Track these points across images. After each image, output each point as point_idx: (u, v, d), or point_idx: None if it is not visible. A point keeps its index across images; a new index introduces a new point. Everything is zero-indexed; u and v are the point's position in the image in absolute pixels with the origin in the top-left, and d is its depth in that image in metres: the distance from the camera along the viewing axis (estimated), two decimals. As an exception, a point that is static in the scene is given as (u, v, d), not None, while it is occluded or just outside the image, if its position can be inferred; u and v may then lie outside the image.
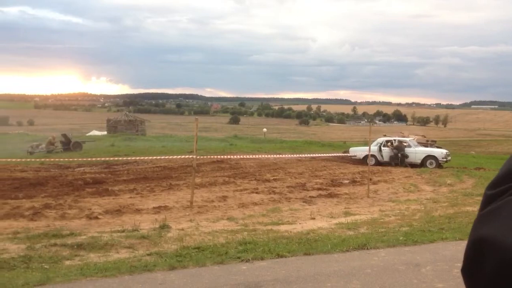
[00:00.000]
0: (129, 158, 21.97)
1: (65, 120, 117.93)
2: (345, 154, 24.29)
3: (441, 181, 16.53)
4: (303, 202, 12.46)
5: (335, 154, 24.71)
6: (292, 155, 24.06)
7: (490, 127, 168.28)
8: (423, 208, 11.65)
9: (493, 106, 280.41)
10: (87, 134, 56.99)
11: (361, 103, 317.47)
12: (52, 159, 21.42)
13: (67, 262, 6.48)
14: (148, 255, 6.81)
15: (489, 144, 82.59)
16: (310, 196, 13.21)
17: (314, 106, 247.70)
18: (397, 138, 23.52)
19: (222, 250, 6.93)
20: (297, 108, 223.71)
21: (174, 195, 12.93)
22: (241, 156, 21.36)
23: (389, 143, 22.77)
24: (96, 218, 10.00)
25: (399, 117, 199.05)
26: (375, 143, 22.69)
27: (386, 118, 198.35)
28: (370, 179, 14.69)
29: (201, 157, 18.85)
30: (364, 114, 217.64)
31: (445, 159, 22.00)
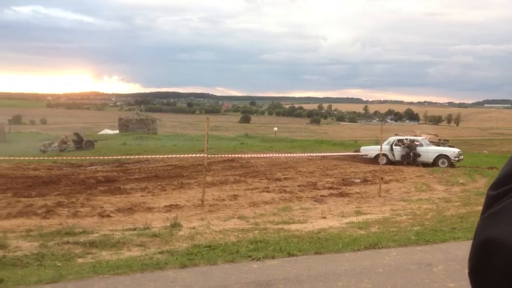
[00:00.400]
0: (140, 157, 22.09)
1: (78, 119, 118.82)
2: (356, 153, 24.20)
3: (453, 181, 16.42)
4: (314, 201, 12.44)
5: (346, 153, 24.64)
6: (303, 154, 24.03)
7: (503, 126, 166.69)
8: (435, 207, 11.58)
9: (506, 105, 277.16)
10: (99, 133, 57.38)
11: (372, 102, 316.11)
12: (64, 158, 21.60)
13: (80, 260, 6.53)
14: (159, 253, 6.84)
15: (502, 143, 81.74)
16: (321, 195, 13.18)
17: (325, 105, 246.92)
18: (409, 137, 23.39)
19: (233, 249, 6.94)
20: (308, 107, 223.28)
21: (185, 194, 12.97)
22: (252, 155, 21.38)
23: (400, 142, 22.66)
24: (108, 216, 10.07)
25: (411, 116, 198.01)
26: (386, 142, 22.57)
27: (397, 117, 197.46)
28: (382, 178, 14.62)
29: (212, 156, 18.89)
30: (376, 113, 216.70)
31: (457, 158, 21.84)
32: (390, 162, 22.11)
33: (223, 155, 20.89)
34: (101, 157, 21.18)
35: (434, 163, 21.57)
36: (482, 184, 15.80)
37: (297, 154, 24.05)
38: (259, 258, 6.50)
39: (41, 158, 21.57)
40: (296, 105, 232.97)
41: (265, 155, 22.35)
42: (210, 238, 7.82)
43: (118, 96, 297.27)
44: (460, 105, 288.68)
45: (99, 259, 6.58)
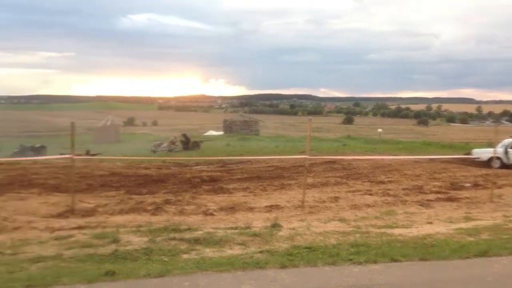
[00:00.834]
0: (243, 158, 22.58)
1: (185, 120, 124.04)
2: (467, 156, 22.85)
3: None
4: (420, 205, 11.92)
5: (456, 156, 23.38)
6: (408, 157, 23.15)
7: None
8: (556, 215, 10.59)
9: None
10: (205, 134, 59.68)
11: (486, 102, 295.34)
12: (172, 158, 22.66)
13: (185, 256, 6.79)
14: (259, 252, 6.92)
15: None
16: (427, 200, 12.59)
17: (434, 106, 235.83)
18: (526, 139, 21.70)
19: (333, 251, 6.84)
20: (415, 107, 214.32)
21: (286, 195, 13.04)
22: (354, 157, 21.00)
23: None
24: (212, 214, 10.39)
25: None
26: (501, 144, 21.12)
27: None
28: (494, 183, 13.66)
29: (313, 157, 18.80)
30: (490, 113, 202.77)
31: None
32: (504, 165, 20.62)
33: (324, 157, 20.72)
34: (206, 158, 21.97)
35: (556, 167, 19.79)
36: None
37: (402, 157, 23.22)
38: (361, 262, 6.35)
39: (151, 157, 22.83)
40: (403, 106, 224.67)
41: (368, 157, 21.84)
42: (310, 240, 7.78)
43: (224, 98, 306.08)
44: None
45: (203, 255, 6.80)
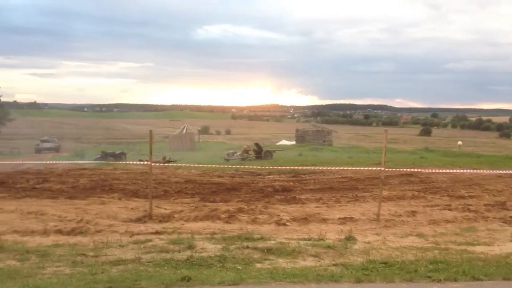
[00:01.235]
0: (315, 168, 22.40)
1: (258, 130, 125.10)
2: (557, 172, 21.37)
3: None
4: (503, 222, 11.26)
5: (543, 171, 21.89)
6: (490, 171, 21.98)
7: None
8: None
9: None
10: (277, 144, 59.88)
11: None
12: (245, 166, 22.89)
13: (258, 265, 6.81)
14: (333, 265, 6.82)
15: None
16: (510, 216, 11.87)
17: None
18: None
19: (411, 268, 6.61)
20: (497, 119, 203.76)
21: (360, 207, 12.78)
22: (433, 170, 20.23)
23: None
24: (284, 224, 10.37)
25: None
26: None
27: None
28: None
29: (389, 169, 18.31)
30: None
31: None
32: None
33: (400, 169, 20.13)
34: (278, 167, 21.98)
35: None
36: None
37: (484, 171, 22.07)
38: (440, 279, 6.10)
39: (225, 166, 23.18)
40: (484, 118, 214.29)
41: (447, 170, 20.97)
42: (386, 254, 7.56)
43: (296, 108, 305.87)
44: None
45: (276, 265, 6.79)
